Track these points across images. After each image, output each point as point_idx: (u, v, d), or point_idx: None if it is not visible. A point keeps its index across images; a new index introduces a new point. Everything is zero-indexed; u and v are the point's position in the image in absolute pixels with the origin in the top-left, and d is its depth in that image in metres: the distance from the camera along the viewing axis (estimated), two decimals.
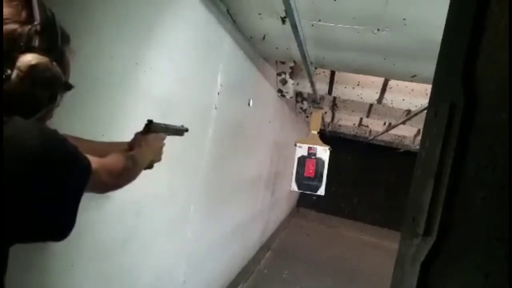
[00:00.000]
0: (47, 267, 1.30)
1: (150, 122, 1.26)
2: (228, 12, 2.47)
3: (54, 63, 0.75)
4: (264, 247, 5.56)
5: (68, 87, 0.83)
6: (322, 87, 4.38)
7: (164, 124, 1.33)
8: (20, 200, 0.67)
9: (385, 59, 2.80)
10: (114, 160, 0.98)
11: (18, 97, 0.71)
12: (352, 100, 4.68)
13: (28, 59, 0.70)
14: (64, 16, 0.82)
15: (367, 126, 7.25)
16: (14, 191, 0.66)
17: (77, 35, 0.86)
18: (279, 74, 4.27)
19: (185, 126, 1.52)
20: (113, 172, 0.95)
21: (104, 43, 1.38)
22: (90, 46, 1.29)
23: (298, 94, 5.33)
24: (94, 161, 0.84)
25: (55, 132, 0.75)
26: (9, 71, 0.68)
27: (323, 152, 4.69)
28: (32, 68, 0.70)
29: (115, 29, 1.43)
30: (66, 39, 0.82)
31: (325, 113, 6.50)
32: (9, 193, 0.65)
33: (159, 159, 1.28)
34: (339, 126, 8.28)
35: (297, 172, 4.68)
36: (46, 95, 0.76)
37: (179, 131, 1.49)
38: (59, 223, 0.77)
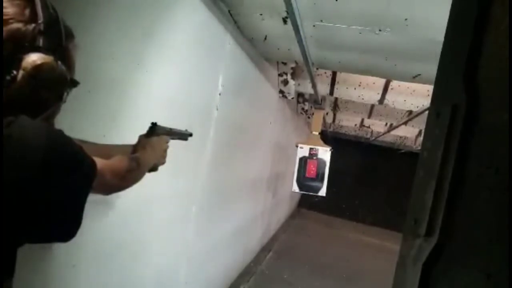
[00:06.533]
0: (49, 267, 1.30)
1: (154, 125, 1.26)
2: (229, 12, 2.47)
3: (59, 62, 0.75)
4: (266, 248, 5.56)
5: (74, 83, 0.83)
6: (323, 88, 4.38)
7: (169, 128, 1.33)
8: (26, 200, 0.67)
9: (386, 59, 2.80)
10: (118, 161, 0.98)
11: (25, 97, 0.71)
12: (354, 101, 4.68)
13: (33, 59, 0.70)
14: (65, 15, 0.82)
15: (369, 127, 7.25)
16: (20, 191, 0.66)
17: (78, 35, 0.86)
18: (280, 75, 4.27)
19: (189, 130, 1.52)
20: (117, 173, 0.95)
21: (105, 43, 1.38)
22: (91, 46, 1.29)
23: (300, 95, 5.33)
24: (99, 162, 0.84)
25: (60, 132, 0.75)
26: (14, 72, 0.68)
27: (325, 153, 4.69)
28: (38, 68, 0.70)
29: (116, 29, 1.43)
30: (70, 35, 0.82)
31: (327, 114, 6.50)
32: (15, 194, 0.65)
33: (163, 162, 1.28)
34: (341, 127, 8.28)
35: (298, 173, 4.68)
36: (53, 94, 0.76)
37: (183, 135, 1.49)
38: (65, 223, 0.77)
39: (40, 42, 0.72)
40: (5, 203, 0.64)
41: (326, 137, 6.78)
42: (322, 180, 4.67)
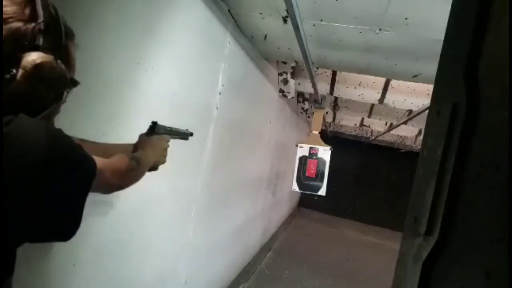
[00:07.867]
0: (49, 266, 1.30)
1: (154, 123, 1.26)
2: (229, 11, 2.47)
3: (59, 61, 0.75)
4: (265, 247, 5.56)
5: (74, 83, 0.83)
6: (323, 87, 4.37)
7: (169, 127, 1.33)
8: (25, 199, 0.67)
9: (386, 59, 2.80)
10: (118, 160, 0.98)
11: (24, 96, 0.71)
12: (354, 100, 4.67)
13: (32, 58, 0.70)
14: (65, 14, 0.82)
15: (369, 126, 7.25)
16: (19, 190, 0.66)
17: (78, 34, 0.86)
18: (280, 74, 4.27)
19: (189, 130, 1.52)
20: (117, 172, 0.95)
21: (105, 42, 1.38)
22: (91, 45, 1.29)
23: (300, 94, 5.33)
24: (99, 161, 0.84)
25: (60, 131, 0.75)
26: (14, 71, 0.68)
27: (324, 152, 4.69)
28: (37, 67, 0.70)
29: (117, 28, 1.43)
30: (70, 35, 0.82)
31: (327, 113, 6.50)
32: (14, 193, 0.65)
33: (163, 161, 1.27)
34: (341, 126, 8.27)
35: (298, 172, 4.68)
36: (52, 93, 0.76)
37: (184, 135, 1.48)
38: (65, 222, 0.77)
39: (40, 41, 0.72)
40: (4, 202, 0.64)
41: (326, 137, 6.79)
42: (322, 179, 4.67)
